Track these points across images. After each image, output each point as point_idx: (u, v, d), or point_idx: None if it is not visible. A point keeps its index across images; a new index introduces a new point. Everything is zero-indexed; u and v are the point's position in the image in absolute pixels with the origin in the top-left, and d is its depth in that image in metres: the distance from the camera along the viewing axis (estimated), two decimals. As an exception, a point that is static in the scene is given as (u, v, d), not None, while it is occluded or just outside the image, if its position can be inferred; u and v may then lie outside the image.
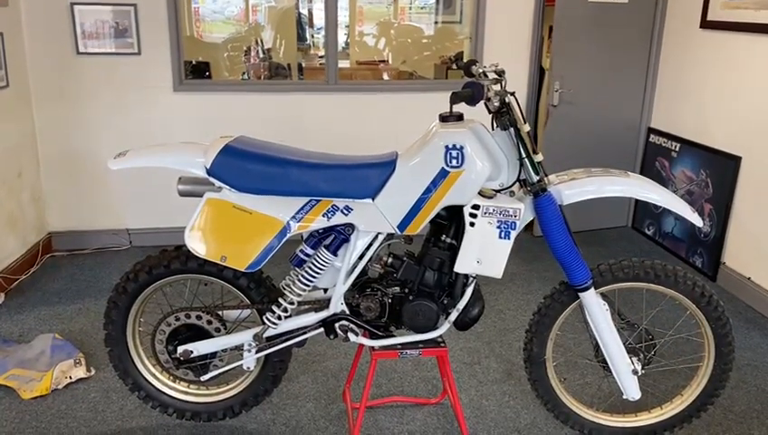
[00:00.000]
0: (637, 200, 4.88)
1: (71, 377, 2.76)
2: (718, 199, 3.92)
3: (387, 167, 2.07)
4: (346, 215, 2.09)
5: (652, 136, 4.68)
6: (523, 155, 2.05)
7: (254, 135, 4.32)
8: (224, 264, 2.08)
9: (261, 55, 6.31)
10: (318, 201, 2.08)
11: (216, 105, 4.30)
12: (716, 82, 3.96)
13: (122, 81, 4.15)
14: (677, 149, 4.36)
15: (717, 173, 3.94)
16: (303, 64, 6.66)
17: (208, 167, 2.06)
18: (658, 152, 4.59)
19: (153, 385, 2.42)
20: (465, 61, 2.33)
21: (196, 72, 5.43)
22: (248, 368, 2.30)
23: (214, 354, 2.29)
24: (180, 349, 2.25)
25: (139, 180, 4.32)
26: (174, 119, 4.27)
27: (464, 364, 2.96)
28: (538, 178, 2.07)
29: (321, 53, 5.15)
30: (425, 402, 2.67)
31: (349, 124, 4.47)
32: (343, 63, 6.71)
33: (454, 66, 2.35)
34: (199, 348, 2.26)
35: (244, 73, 6.04)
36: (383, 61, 6.85)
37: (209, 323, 2.27)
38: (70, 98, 4.13)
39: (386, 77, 6.40)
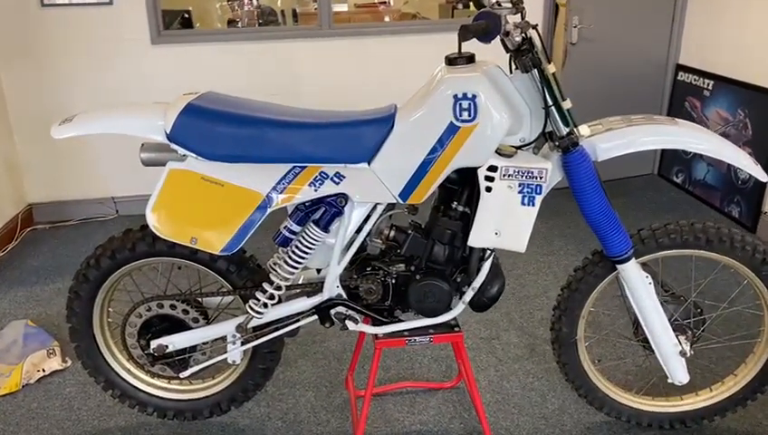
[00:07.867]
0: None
1: (43, 370, 2.48)
2: (759, 142, 3.52)
3: (383, 124, 1.70)
4: (337, 183, 1.74)
5: (681, 73, 4.24)
6: (550, 102, 1.68)
7: (241, 90, 3.94)
8: (194, 246, 1.76)
9: (255, 3, 5.90)
10: (302, 168, 1.73)
11: (199, 57, 3.90)
12: (757, 9, 3.50)
13: (94, 34, 3.76)
14: (710, 87, 3.93)
15: (757, 112, 3.53)
16: (298, 10, 6.22)
17: (168, 131, 1.71)
18: (688, 91, 4.16)
19: (128, 382, 2.12)
20: (474, -10, 1.94)
21: (183, 25, 5.01)
22: (234, 362, 2.00)
23: (194, 348, 1.99)
24: (154, 343, 1.95)
25: (124, 144, 3.96)
26: (154, 74, 3.88)
27: (480, 340, 2.66)
28: (568, 129, 1.70)
29: (316, -4, 4.70)
30: (438, 387, 2.37)
31: (346, 73, 4.07)
32: (340, 7, 6.25)
33: (459, 6, 1.94)
34: (175, 342, 1.95)
35: (230, 23, 5.61)
36: (383, 2, 6.38)
37: (186, 312, 1.95)
38: (38, 55, 3.74)
39: (387, 19, 5.94)
